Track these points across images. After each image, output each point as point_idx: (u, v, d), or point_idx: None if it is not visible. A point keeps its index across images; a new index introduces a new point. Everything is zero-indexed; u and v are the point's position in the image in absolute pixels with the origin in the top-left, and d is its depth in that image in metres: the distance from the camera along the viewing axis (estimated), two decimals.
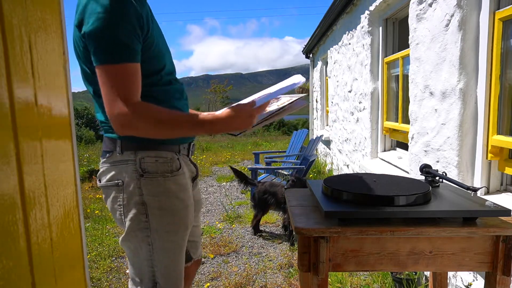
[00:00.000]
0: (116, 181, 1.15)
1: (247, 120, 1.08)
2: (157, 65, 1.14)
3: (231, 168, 3.92)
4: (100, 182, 1.22)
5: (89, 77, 1.12)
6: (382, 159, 3.72)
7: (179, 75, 1.34)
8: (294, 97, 1.23)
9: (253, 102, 1.09)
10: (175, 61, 1.31)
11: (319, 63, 7.61)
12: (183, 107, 1.26)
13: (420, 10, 2.36)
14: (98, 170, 1.23)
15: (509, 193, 1.89)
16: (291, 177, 3.24)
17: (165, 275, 1.20)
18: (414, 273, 2.16)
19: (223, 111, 1.10)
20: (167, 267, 1.20)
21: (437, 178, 1.27)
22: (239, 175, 3.68)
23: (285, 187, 3.15)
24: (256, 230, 3.51)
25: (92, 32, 0.98)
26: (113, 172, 1.16)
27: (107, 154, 1.18)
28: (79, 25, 1.02)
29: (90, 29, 0.98)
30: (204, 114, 1.12)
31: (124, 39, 0.99)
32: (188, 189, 1.25)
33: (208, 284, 2.56)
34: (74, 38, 1.09)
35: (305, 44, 8.33)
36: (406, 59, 3.09)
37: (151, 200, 1.15)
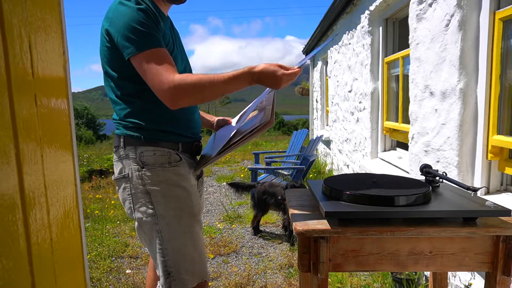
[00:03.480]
0: (123, 174, 1.26)
1: (276, 82, 1.15)
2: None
3: (229, 184, 3.87)
4: (114, 176, 1.33)
5: (109, 77, 1.25)
6: (382, 159, 3.72)
7: None
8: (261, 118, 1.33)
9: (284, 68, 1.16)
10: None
11: (319, 63, 7.61)
12: (192, 108, 1.35)
13: (420, 10, 2.36)
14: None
15: (509, 193, 1.89)
16: (290, 182, 3.26)
17: (176, 263, 1.24)
18: (414, 273, 2.16)
19: (260, 70, 1.16)
20: (176, 254, 1.24)
21: (437, 178, 1.27)
22: (236, 187, 3.71)
23: (282, 197, 3.17)
24: (256, 230, 3.51)
25: (120, 28, 1.11)
26: (120, 166, 1.27)
27: (115, 150, 1.30)
28: (104, 28, 1.16)
29: (118, 26, 1.11)
30: (241, 71, 1.19)
31: (149, 30, 1.11)
32: (189, 179, 1.32)
33: (209, 284, 2.56)
34: (101, 41, 1.22)
35: (304, 43, 8.34)
36: (406, 59, 3.09)
37: (153, 189, 1.23)
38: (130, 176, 1.24)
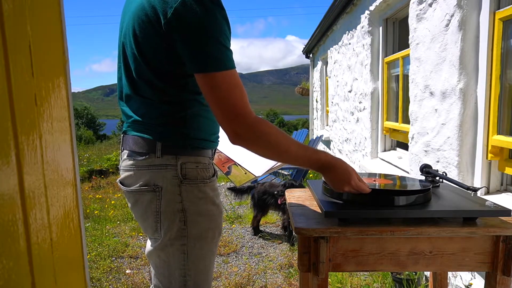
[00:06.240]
0: (152, 186, 1.07)
1: (344, 180, 1.03)
2: None
3: (229, 189, 3.94)
4: (125, 186, 1.13)
5: (141, 71, 1.05)
6: (382, 159, 3.72)
7: None
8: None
9: (357, 175, 1.05)
10: None
11: (319, 63, 7.61)
12: None
13: (420, 10, 2.36)
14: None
15: (509, 193, 1.89)
16: (289, 181, 3.26)
17: (197, 283, 1.14)
18: (414, 273, 2.16)
19: (338, 160, 1.06)
20: (199, 275, 1.14)
21: (437, 178, 1.27)
22: (237, 191, 3.74)
23: (279, 193, 3.16)
24: (256, 230, 3.51)
25: (197, 34, 0.92)
26: (148, 176, 1.07)
27: (142, 157, 1.08)
28: (165, 20, 0.94)
29: (194, 30, 0.92)
30: (320, 151, 1.07)
31: (227, 42, 0.95)
32: (219, 194, 1.21)
33: None
34: (141, 27, 1.01)
35: (305, 44, 8.34)
36: (406, 59, 3.09)
37: (190, 206, 1.09)
38: (164, 190, 1.06)
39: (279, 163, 1.28)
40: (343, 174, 1.03)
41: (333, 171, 1.03)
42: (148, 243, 1.19)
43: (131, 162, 1.10)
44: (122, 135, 1.18)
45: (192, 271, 1.12)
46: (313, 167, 1.06)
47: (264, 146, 1.01)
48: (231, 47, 0.99)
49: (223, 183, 5.86)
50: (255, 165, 1.32)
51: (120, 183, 1.16)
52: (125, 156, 1.13)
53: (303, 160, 1.05)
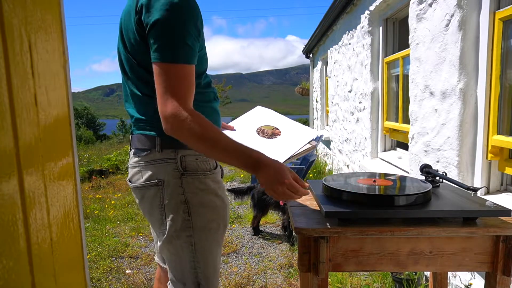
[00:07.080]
0: (155, 181, 1.11)
1: (277, 180, 1.00)
2: (202, 67, 1.15)
3: (228, 190, 3.85)
4: (132, 182, 1.17)
5: (134, 70, 1.11)
6: (382, 159, 3.72)
7: None
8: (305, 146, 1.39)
9: (293, 174, 1.04)
10: None
11: (319, 63, 7.61)
12: (217, 108, 1.26)
13: (420, 10, 2.36)
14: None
15: (509, 193, 1.89)
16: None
17: (206, 275, 1.16)
18: (414, 273, 2.16)
19: (272, 160, 1.04)
20: (208, 267, 1.16)
21: (437, 178, 1.27)
22: (236, 193, 3.68)
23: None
24: (256, 230, 3.51)
25: (158, 26, 0.97)
26: (151, 171, 1.12)
27: (144, 153, 1.13)
28: (137, 15, 1.01)
29: (156, 23, 0.97)
30: (252, 149, 1.05)
31: (188, 39, 1.00)
32: (224, 187, 1.23)
33: None
34: (125, 27, 1.09)
35: (305, 44, 8.34)
36: (406, 59, 3.09)
37: (193, 198, 1.12)
38: (166, 183, 1.10)
39: (297, 152, 1.31)
40: (276, 173, 0.99)
41: (266, 170, 1.00)
42: (157, 240, 1.22)
43: (136, 159, 1.16)
44: (130, 136, 1.23)
45: (201, 263, 1.15)
46: (245, 165, 1.03)
47: (193, 138, 1.00)
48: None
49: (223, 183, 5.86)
50: (275, 153, 1.34)
51: (129, 180, 1.21)
52: (131, 155, 1.19)
53: (233, 155, 1.02)
